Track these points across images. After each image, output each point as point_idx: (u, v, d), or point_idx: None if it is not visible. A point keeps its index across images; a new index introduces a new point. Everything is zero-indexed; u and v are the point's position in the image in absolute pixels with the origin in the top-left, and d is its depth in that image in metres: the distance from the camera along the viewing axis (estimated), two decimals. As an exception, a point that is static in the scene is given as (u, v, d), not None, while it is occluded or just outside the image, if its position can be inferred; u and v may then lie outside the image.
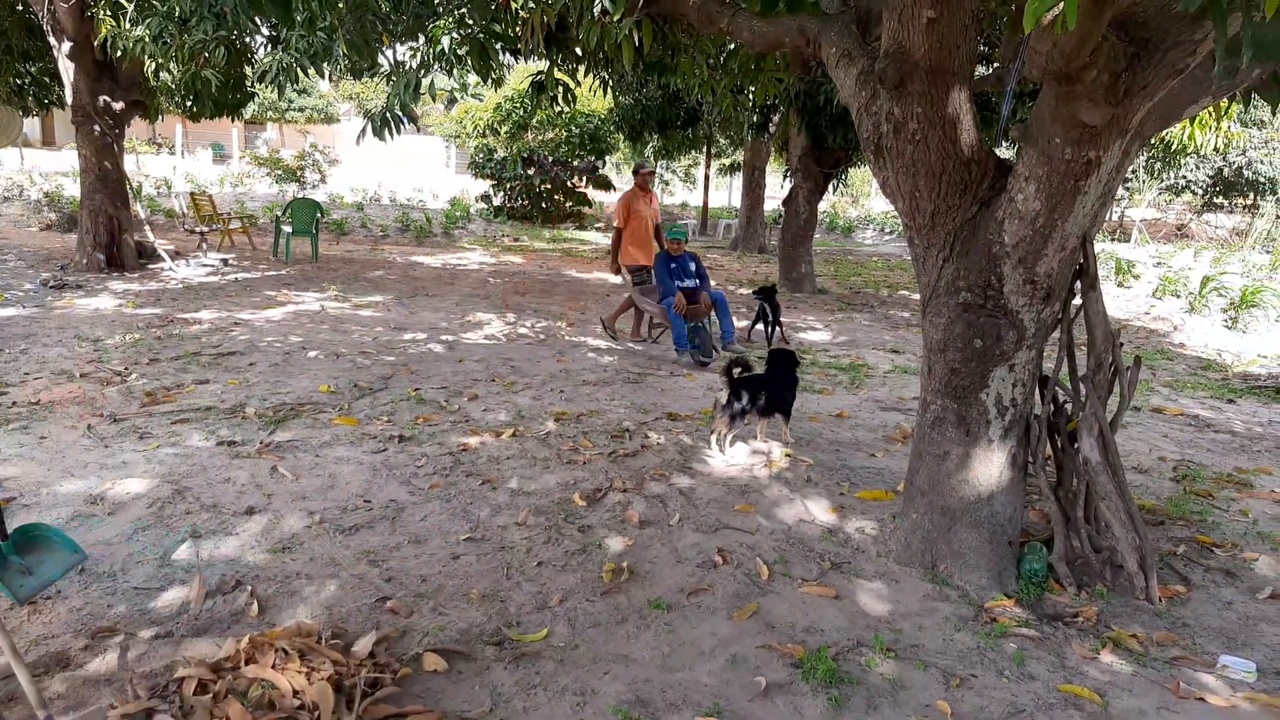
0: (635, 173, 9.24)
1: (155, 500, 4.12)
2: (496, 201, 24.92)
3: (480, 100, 28.67)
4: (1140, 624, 3.50)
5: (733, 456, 5.28)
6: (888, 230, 28.56)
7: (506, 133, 26.01)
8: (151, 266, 12.15)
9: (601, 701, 2.81)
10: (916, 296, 14.01)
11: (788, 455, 5.32)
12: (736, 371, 5.40)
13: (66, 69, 11.25)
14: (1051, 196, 3.45)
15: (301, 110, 45.31)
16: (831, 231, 28.25)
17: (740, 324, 10.01)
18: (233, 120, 17.95)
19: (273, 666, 2.61)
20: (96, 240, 11.62)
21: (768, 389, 5.53)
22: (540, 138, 26.08)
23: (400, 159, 37.26)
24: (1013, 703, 2.96)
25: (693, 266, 8.29)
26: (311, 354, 7.40)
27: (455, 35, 5.62)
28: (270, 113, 43.99)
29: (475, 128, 27.10)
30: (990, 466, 3.82)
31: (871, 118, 3.90)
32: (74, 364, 6.60)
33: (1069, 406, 4.14)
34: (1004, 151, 14.43)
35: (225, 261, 12.77)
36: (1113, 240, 23.64)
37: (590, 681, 2.92)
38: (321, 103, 46.42)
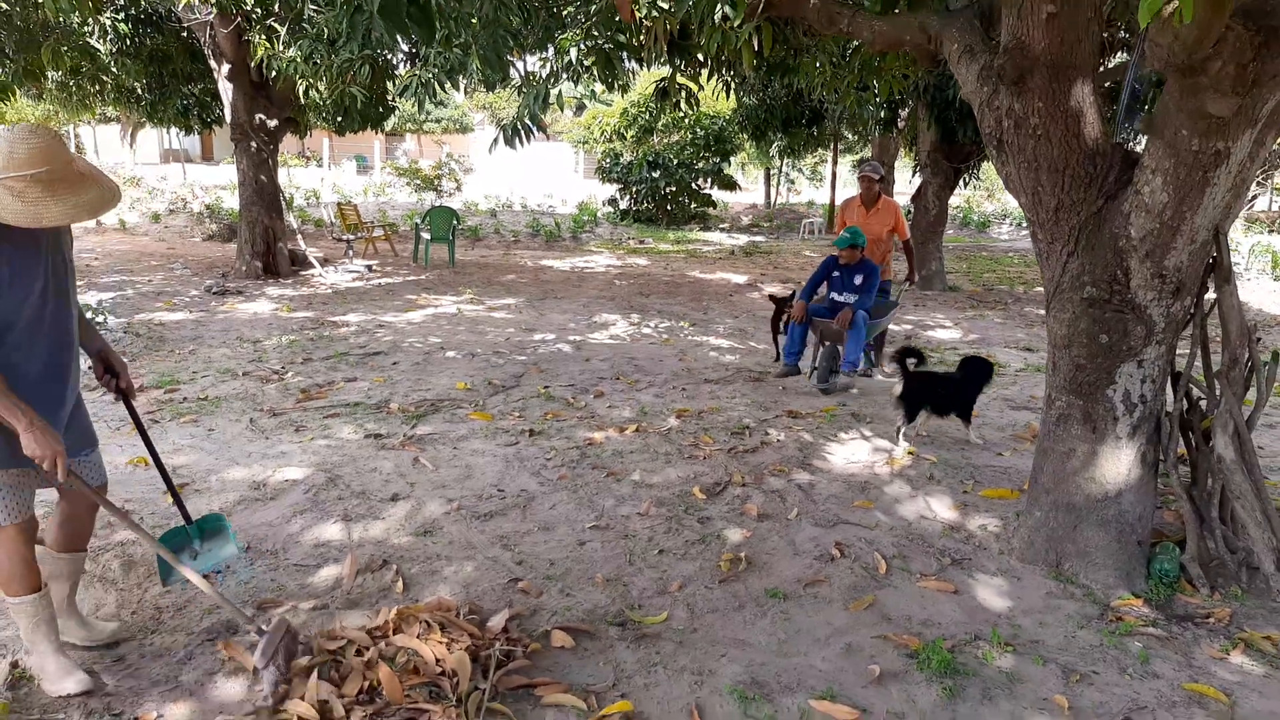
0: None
1: (311, 487, 4.49)
2: (622, 205, 25.35)
3: (608, 105, 29.20)
4: (1276, 626, 3.38)
5: (861, 453, 5.33)
6: (1025, 225, 27.55)
7: (633, 137, 26.38)
8: (303, 273, 12.96)
9: (719, 681, 2.94)
10: (1053, 293, 13.54)
11: (910, 453, 5.32)
12: (911, 363, 5.57)
13: (226, 90, 12.13)
14: (1179, 189, 3.38)
15: (438, 121, 47.13)
16: (965, 227, 27.46)
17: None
18: (375, 133, 18.91)
19: (418, 637, 2.86)
20: (254, 249, 12.50)
21: (947, 387, 5.60)
22: (665, 141, 26.34)
23: (530, 166, 38.22)
24: (1134, 700, 2.93)
25: (857, 280, 6.96)
26: (449, 354, 7.80)
27: (582, 46, 5.86)
28: (409, 124, 45.90)
29: (602, 133, 27.59)
30: (1118, 464, 3.76)
31: (993, 113, 3.91)
32: (237, 363, 7.18)
33: (1203, 404, 4.02)
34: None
35: (369, 267, 13.50)
36: (1270, 232, 22.13)
37: (708, 663, 3.05)
38: (457, 113, 48.15)
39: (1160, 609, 3.56)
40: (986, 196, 33.73)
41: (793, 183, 35.42)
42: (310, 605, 3.34)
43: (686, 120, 24.64)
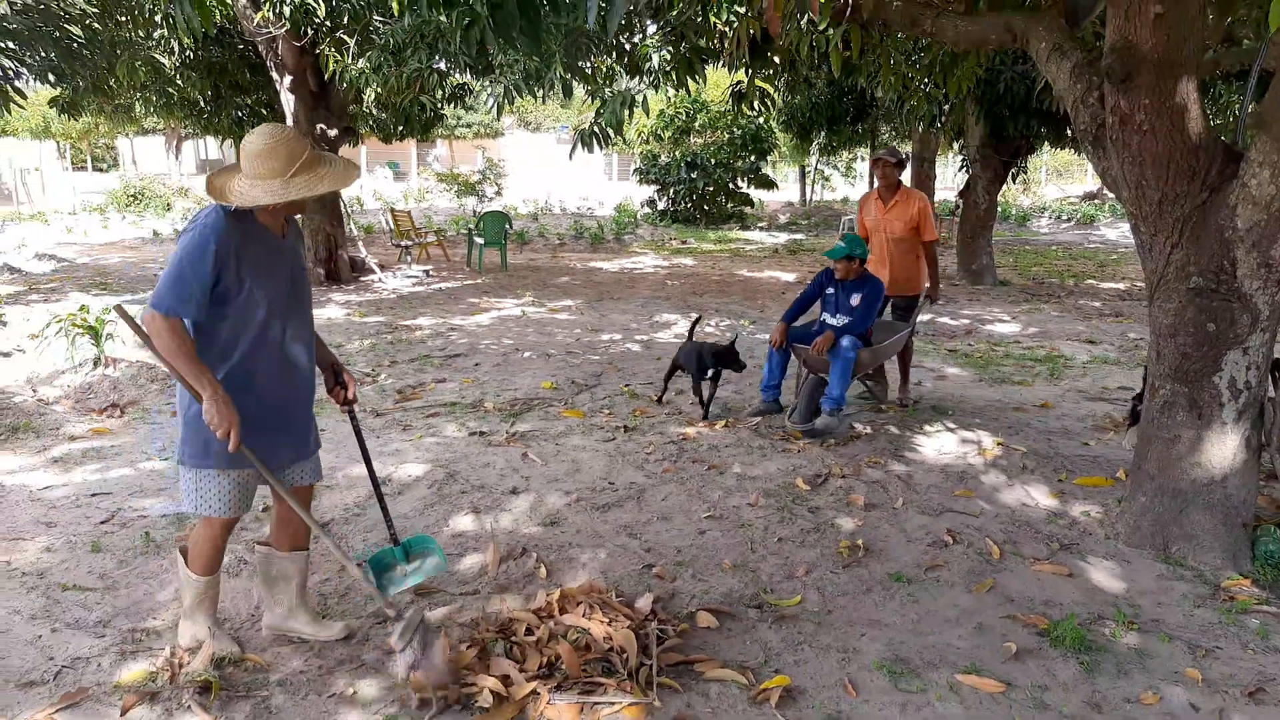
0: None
1: (433, 482, 4.70)
2: (660, 206, 25.55)
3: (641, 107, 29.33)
4: (1390, 603, 3.49)
5: (943, 448, 5.46)
6: (1064, 218, 27.47)
7: (669, 138, 26.55)
8: (363, 279, 13.24)
9: (864, 658, 3.10)
10: (1106, 285, 13.58)
11: (999, 444, 5.44)
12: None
13: (288, 101, 12.40)
14: (1288, 181, 3.50)
15: (469, 126, 47.50)
16: (1004, 221, 27.35)
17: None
18: (420, 139, 19.17)
19: (583, 617, 3.04)
20: (317, 256, 12.77)
21: None
22: (702, 141, 26.49)
23: (562, 169, 38.45)
24: (1261, 672, 3.06)
25: (855, 300, 5.79)
26: (526, 354, 8.01)
27: (665, 53, 6.04)
28: (440, 130, 46.30)
29: (638, 135, 27.78)
30: (1224, 449, 3.87)
31: (1089, 109, 4.04)
32: (326, 367, 7.41)
33: (1304, 390, 4.13)
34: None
35: (427, 272, 13.77)
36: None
37: (850, 641, 3.21)
38: (488, 118, 48.51)
39: (1270, 589, 3.67)
40: (1023, 190, 33.58)
41: (827, 179, 35.46)
42: (461, 591, 3.53)
43: (724, 119, 24.78)
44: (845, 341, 5.56)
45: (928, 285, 6.50)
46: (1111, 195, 4.30)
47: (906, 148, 25.65)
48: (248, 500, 2.98)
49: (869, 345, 5.86)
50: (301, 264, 3.02)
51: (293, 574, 3.18)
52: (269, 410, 2.89)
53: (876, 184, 6.58)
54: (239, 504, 2.93)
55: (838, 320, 5.86)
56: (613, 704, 2.72)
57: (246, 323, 2.80)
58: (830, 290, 5.97)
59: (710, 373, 6.01)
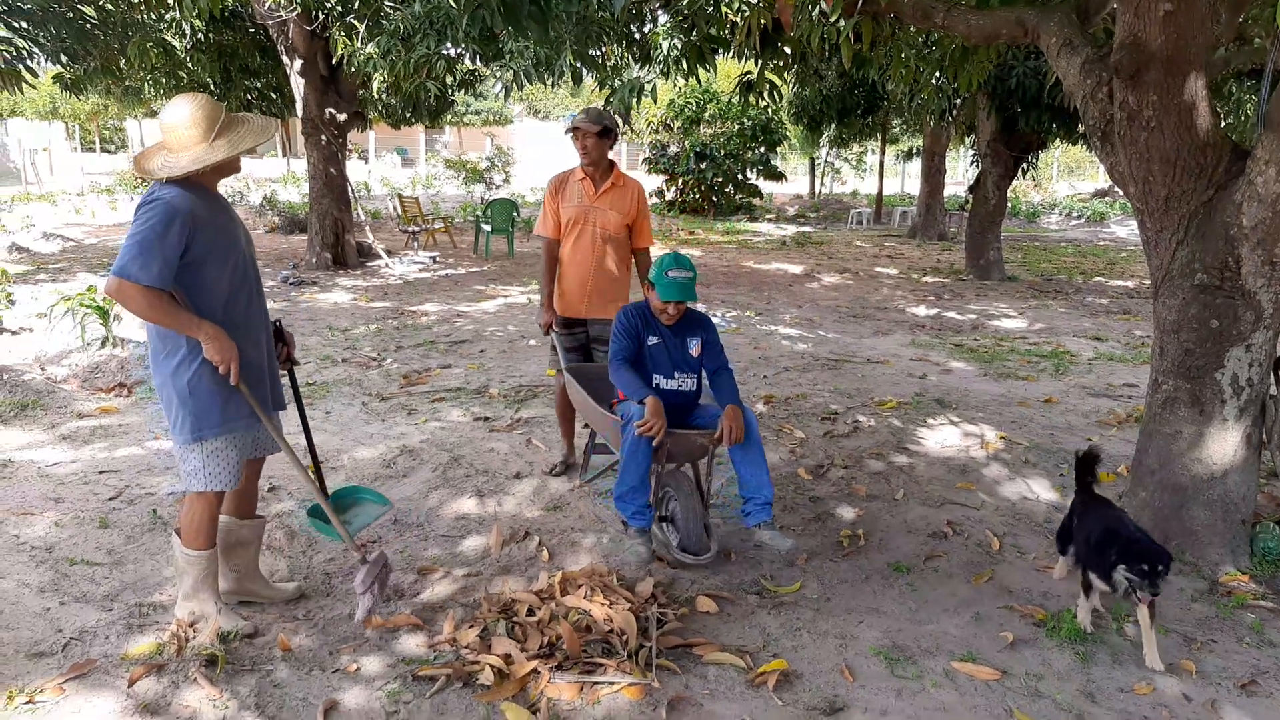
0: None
1: (438, 465, 4.74)
2: (669, 196, 25.53)
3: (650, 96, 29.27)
4: (1387, 601, 3.51)
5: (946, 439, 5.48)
6: (1075, 214, 27.39)
7: (679, 127, 26.54)
8: (370, 264, 13.28)
9: (862, 644, 3.13)
10: (1114, 283, 13.56)
11: (1002, 438, 5.46)
12: None
13: (297, 85, 12.43)
14: (1294, 179, 3.51)
15: (478, 114, 47.47)
16: (1014, 217, 27.31)
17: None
18: (429, 126, 19.16)
19: (584, 599, 3.08)
20: (324, 241, 12.83)
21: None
22: (711, 131, 26.46)
23: (571, 158, 38.35)
24: (1255, 665, 3.09)
25: (694, 347, 3.95)
26: (530, 342, 8.04)
27: (675, 41, 6.04)
28: (449, 117, 46.29)
29: (648, 124, 27.76)
30: (1225, 446, 3.89)
31: (1098, 105, 4.04)
32: (333, 350, 7.46)
33: (1305, 388, 4.14)
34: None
35: (434, 259, 13.80)
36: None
37: (847, 628, 3.25)
38: (497, 105, 48.48)
39: (1267, 585, 3.69)
40: (1034, 186, 33.46)
41: (838, 172, 35.39)
42: (464, 572, 3.58)
43: (733, 110, 24.75)
44: (750, 412, 3.79)
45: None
46: (1122, 193, 4.32)
47: (916, 141, 25.57)
48: (242, 470, 3.07)
49: None
50: (248, 236, 3.12)
51: (252, 540, 3.28)
52: (248, 365, 2.97)
53: (580, 159, 4.59)
54: (240, 472, 3.03)
55: (678, 382, 3.95)
56: (612, 684, 2.76)
57: (217, 287, 2.89)
58: (654, 339, 3.93)
59: None
